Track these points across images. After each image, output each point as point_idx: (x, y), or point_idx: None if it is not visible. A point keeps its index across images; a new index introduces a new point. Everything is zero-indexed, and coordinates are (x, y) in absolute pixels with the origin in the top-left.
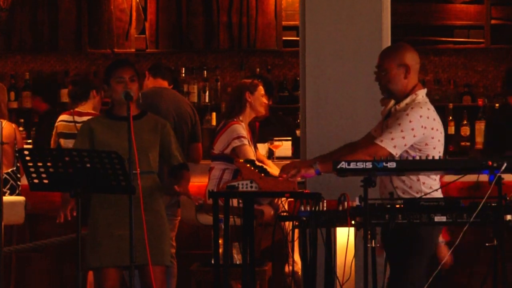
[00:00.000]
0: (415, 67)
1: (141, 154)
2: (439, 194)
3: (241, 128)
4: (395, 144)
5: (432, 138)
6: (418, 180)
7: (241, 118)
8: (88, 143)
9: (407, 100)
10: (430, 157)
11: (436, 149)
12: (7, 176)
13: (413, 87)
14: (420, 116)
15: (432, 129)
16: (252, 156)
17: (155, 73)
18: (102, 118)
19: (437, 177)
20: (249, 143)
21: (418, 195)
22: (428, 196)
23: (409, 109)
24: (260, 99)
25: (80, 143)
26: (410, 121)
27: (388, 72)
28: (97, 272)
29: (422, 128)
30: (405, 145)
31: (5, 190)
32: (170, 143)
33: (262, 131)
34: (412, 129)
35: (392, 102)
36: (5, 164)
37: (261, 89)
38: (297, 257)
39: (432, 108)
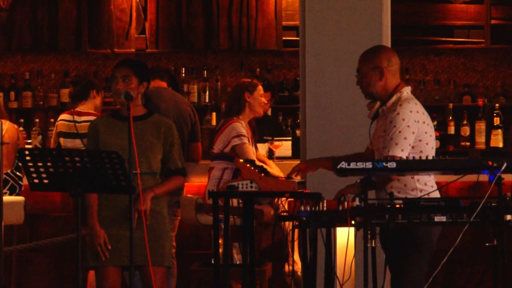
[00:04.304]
0: (390, 68)
1: (141, 155)
2: (436, 193)
3: (241, 127)
4: (401, 148)
5: (426, 133)
6: (413, 177)
7: (240, 118)
8: (96, 145)
9: (393, 99)
10: (424, 154)
11: (429, 145)
12: (6, 177)
13: (396, 87)
14: (411, 111)
15: (424, 122)
16: (252, 154)
17: (152, 76)
18: (108, 117)
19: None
20: (249, 141)
21: (413, 193)
22: (424, 193)
23: (398, 107)
24: (259, 99)
25: (90, 145)
26: (403, 119)
27: (364, 76)
28: (97, 272)
29: (416, 123)
30: (409, 144)
31: (5, 190)
32: (172, 147)
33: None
34: (408, 126)
35: (378, 104)
36: (5, 165)
37: (260, 89)
38: (297, 257)
39: (419, 103)
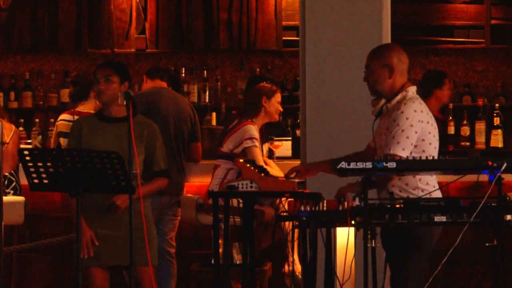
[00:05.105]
0: (400, 67)
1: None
2: (437, 192)
3: (254, 130)
4: (402, 147)
5: (429, 133)
6: (414, 177)
7: (254, 121)
8: (77, 145)
9: (398, 97)
10: (426, 153)
11: (432, 145)
12: (11, 177)
13: (402, 86)
14: (415, 111)
15: (428, 122)
16: (260, 159)
17: (152, 76)
18: (92, 118)
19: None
20: (259, 146)
21: (415, 192)
22: (426, 192)
23: (403, 106)
24: (275, 105)
25: (72, 145)
26: (407, 118)
27: (373, 73)
28: (83, 273)
29: (420, 122)
30: (411, 144)
31: (8, 190)
32: (154, 148)
33: None
34: (412, 126)
35: (383, 101)
36: (11, 165)
37: (278, 96)
38: (296, 257)
39: (423, 103)
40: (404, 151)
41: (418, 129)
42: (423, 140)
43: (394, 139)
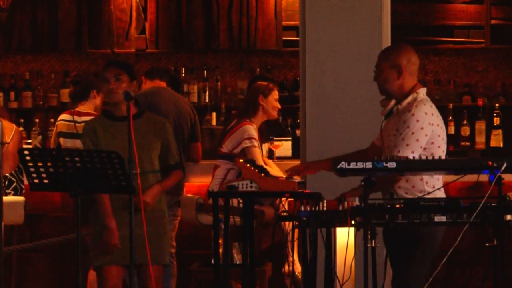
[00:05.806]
0: (409, 68)
1: (143, 153)
2: (441, 194)
3: (253, 130)
4: (412, 149)
5: (439, 135)
6: (421, 179)
7: (253, 120)
8: (95, 146)
9: (409, 99)
10: (435, 156)
11: (441, 148)
12: (11, 177)
13: (412, 87)
14: (426, 113)
15: (438, 125)
16: (260, 158)
17: (151, 76)
18: (102, 118)
19: (440, 177)
20: (258, 145)
21: (421, 195)
22: (430, 195)
23: (414, 108)
24: (272, 103)
25: (89, 146)
26: (417, 121)
27: (382, 72)
28: (99, 271)
29: (430, 125)
30: (421, 147)
31: (9, 191)
32: (169, 142)
33: None
34: (422, 128)
35: (393, 102)
36: (11, 166)
37: (275, 93)
38: (295, 256)
39: (433, 105)
40: (413, 153)
41: (428, 132)
42: (432, 143)
43: (403, 141)
